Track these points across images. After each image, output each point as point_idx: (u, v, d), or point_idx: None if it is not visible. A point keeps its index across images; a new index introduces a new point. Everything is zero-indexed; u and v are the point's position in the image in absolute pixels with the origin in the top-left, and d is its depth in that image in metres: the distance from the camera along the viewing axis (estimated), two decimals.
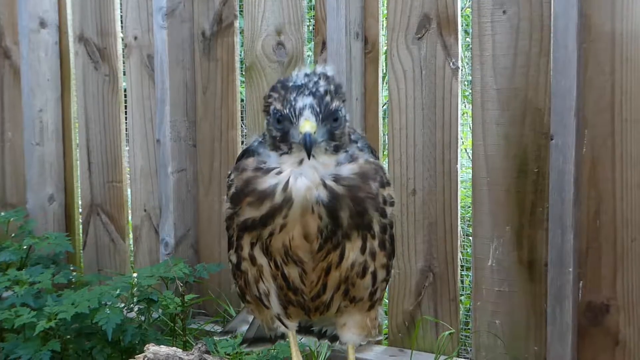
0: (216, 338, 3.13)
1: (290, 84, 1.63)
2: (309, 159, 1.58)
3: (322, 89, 1.61)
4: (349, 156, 1.67)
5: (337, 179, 1.62)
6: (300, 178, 1.61)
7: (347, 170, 1.65)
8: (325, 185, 1.61)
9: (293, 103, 1.59)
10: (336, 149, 1.65)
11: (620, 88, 2.83)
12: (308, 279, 1.73)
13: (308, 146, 1.55)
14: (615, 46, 2.83)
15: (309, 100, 1.59)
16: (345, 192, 1.62)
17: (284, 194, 1.61)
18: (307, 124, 1.56)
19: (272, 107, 1.64)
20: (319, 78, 1.63)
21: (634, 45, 2.80)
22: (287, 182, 1.62)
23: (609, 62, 2.84)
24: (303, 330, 2.17)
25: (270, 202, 1.63)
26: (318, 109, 1.58)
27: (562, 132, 2.80)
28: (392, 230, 1.79)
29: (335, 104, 1.62)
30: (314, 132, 1.56)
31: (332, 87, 1.63)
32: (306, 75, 1.65)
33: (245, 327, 2.19)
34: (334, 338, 2.16)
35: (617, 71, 2.83)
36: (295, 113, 1.58)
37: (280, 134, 1.63)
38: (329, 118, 1.61)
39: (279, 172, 1.64)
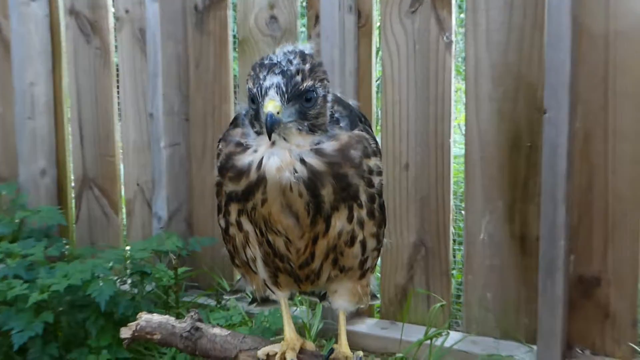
0: (226, 297, 3.13)
1: (266, 61, 1.60)
2: (269, 139, 1.56)
3: (293, 68, 1.57)
4: (329, 136, 1.64)
5: (317, 155, 1.60)
6: (273, 157, 1.59)
7: (328, 146, 1.62)
8: (304, 162, 1.59)
9: (261, 82, 1.56)
10: (312, 129, 1.61)
11: (614, 62, 2.85)
12: (294, 246, 1.72)
13: (268, 127, 1.52)
14: (609, 21, 2.84)
15: (276, 79, 1.55)
16: (326, 169, 1.60)
17: (258, 173, 1.60)
18: (271, 104, 1.53)
19: (247, 85, 1.62)
20: (295, 56, 1.60)
21: (628, 20, 2.81)
22: (261, 161, 1.60)
23: (602, 37, 2.86)
24: (304, 292, 2.17)
25: (246, 179, 1.62)
26: (284, 89, 1.55)
27: (555, 106, 2.81)
28: (382, 199, 1.77)
29: (307, 83, 1.57)
30: (278, 113, 1.53)
31: (307, 66, 1.59)
32: (285, 53, 1.61)
33: (254, 286, 2.17)
34: None
35: (610, 46, 2.85)
36: (261, 92, 1.55)
37: (254, 113, 1.62)
38: (299, 98, 1.57)
39: (255, 151, 1.62)
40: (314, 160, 1.59)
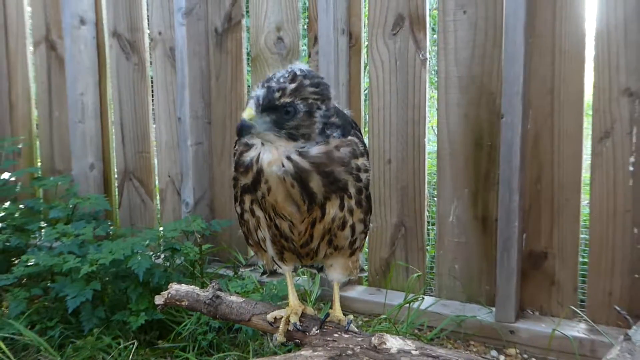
0: (242, 270, 3.12)
1: (268, 75, 1.60)
2: (238, 138, 1.59)
3: (276, 86, 1.55)
4: (318, 142, 1.61)
5: (301, 156, 1.59)
6: (266, 154, 1.60)
7: (314, 150, 1.60)
8: (290, 159, 1.58)
9: (251, 93, 1.58)
10: (291, 137, 1.58)
11: (559, 76, 2.84)
12: (296, 229, 1.73)
13: (238, 127, 1.55)
14: (555, 41, 2.83)
15: (258, 92, 1.56)
16: (311, 168, 1.59)
17: (257, 166, 1.62)
18: (246, 111, 1.55)
19: None
20: (287, 75, 1.58)
21: (571, 40, 2.80)
22: (258, 156, 1.62)
23: (550, 54, 2.85)
24: (307, 265, 2.18)
25: (251, 171, 1.64)
26: (261, 102, 1.54)
27: (510, 112, 2.80)
28: (368, 192, 1.77)
29: (284, 100, 1.54)
30: (249, 119, 1.54)
31: (292, 85, 1.56)
32: (286, 70, 1.59)
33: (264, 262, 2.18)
34: None
35: (556, 62, 2.84)
36: (247, 101, 1.58)
37: None
38: (275, 111, 1.55)
39: (255, 149, 1.64)
40: (298, 159, 1.59)
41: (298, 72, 1.59)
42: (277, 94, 1.55)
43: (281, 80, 1.57)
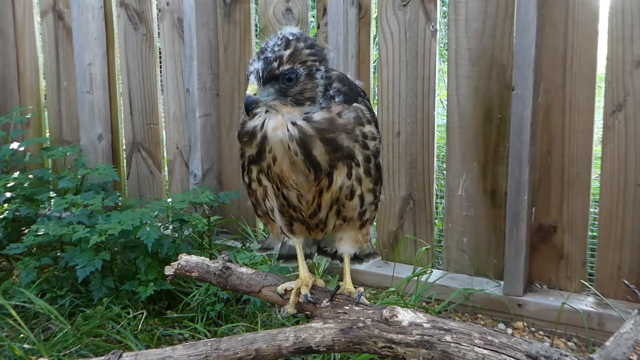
0: (257, 253, 3.11)
1: (262, 45, 1.58)
2: (247, 115, 1.57)
3: (272, 55, 1.53)
4: (322, 108, 1.60)
5: (306, 121, 1.57)
6: (272, 120, 1.58)
7: (317, 115, 1.58)
8: (295, 124, 1.56)
9: (249, 67, 1.56)
10: (298, 102, 1.57)
11: (572, 47, 2.77)
12: (304, 198, 1.70)
13: (245, 105, 1.54)
14: (568, 12, 2.76)
15: (257, 65, 1.53)
16: (314, 133, 1.57)
17: (262, 132, 1.60)
18: (249, 88, 1.53)
19: None
20: (280, 42, 1.55)
21: (584, 11, 2.73)
22: (263, 123, 1.60)
23: (562, 26, 2.78)
24: (320, 252, 2.15)
25: (255, 139, 1.61)
26: (261, 74, 1.53)
27: (521, 84, 2.75)
28: (378, 160, 1.73)
29: (284, 68, 1.53)
30: (254, 94, 1.53)
31: (287, 51, 1.53)
32: (277, 37, 1.57)
33: (279, 245, 2.15)
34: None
35: (569, 33, 2.77)
36: (247, 76, 1.55)
37: None
38: (277, 80, 1.54)
39: (259, 117, 1.62)
40: (303, 123, 1.57)
41: (290, 37, 1.57)
42: (275, 64, 1.53)
43: (275, 48, 1.54)
